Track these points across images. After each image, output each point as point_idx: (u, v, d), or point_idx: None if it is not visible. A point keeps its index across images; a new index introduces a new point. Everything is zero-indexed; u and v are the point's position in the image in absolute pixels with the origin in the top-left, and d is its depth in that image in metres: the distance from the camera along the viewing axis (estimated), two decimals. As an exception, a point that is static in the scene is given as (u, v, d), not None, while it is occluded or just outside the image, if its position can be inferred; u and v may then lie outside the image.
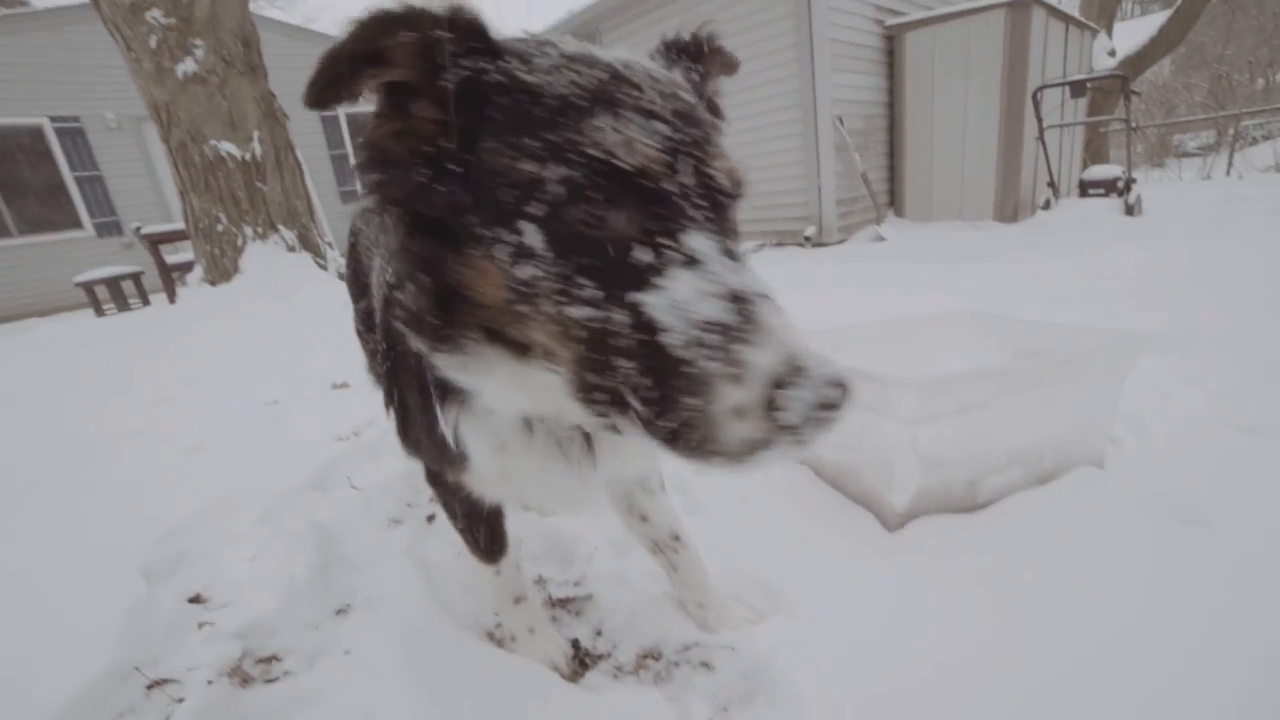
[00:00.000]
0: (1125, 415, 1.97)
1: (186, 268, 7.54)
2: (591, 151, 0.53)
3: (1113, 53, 11.64)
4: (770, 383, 0.48)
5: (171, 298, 7.37)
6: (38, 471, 2.45)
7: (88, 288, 8.21)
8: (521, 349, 0.62)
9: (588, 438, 0.86)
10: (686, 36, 0.78)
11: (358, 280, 1.64)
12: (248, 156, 6.22)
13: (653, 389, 0.53)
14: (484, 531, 1.18)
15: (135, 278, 8.70)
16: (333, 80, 0.59)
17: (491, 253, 0.56)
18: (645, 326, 0.52)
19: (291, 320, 5.29)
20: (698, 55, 0.78)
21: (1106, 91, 10.63)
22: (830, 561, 1.38)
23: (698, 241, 0.55)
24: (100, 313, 8.24)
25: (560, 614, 1.43)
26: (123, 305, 8.44)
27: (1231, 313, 2.95)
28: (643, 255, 0.54)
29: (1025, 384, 1.45)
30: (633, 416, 0.56)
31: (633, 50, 0.68)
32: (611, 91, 0.57)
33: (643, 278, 0.54)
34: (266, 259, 6.30)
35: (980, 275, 4.55)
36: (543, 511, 1.73)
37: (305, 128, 13.75)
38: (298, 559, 1.56)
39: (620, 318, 0.53)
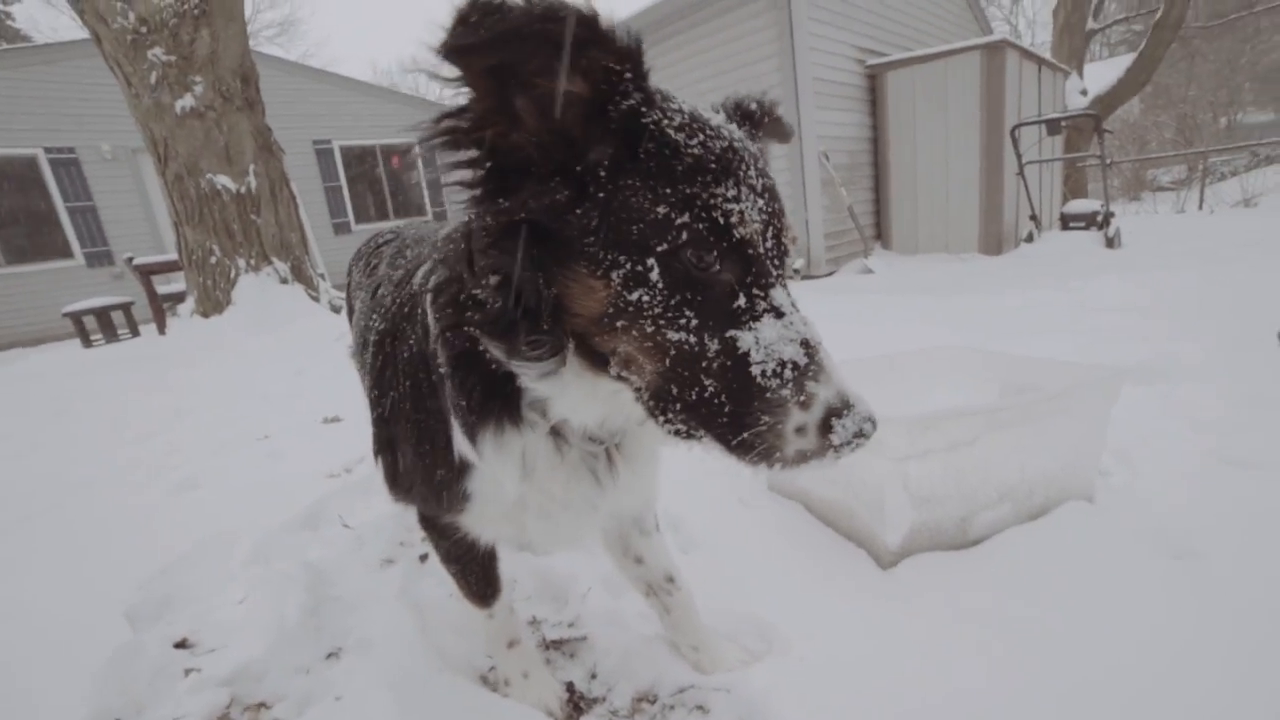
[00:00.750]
0: (1113, 448, 2.00)
1: (178, 298, 7.52)
2: (717, 215, 0.64)
3: (1084, 92, 12.09)
4: (828, 412, 0.64)
5: (162, 329, 7.33)
6: (20, 509, 2.41)
7: (76, 318, 8.15)
8: (603, 362, 0.70)
9: (609, 455, 0.92)
10: (753, 105, 0.87)
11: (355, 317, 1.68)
12: (243, 189, 6.28)
13: (733, 406, 0.65)
14: (477, 574, 1.18)
15: (125, 308, 8.66)
16: (492, 47, 0.56)
17: (609, 274, 0.64)
18: (738, 357, 0.64)
19: (283, 353, 5.27)
20: (759, 122, 0.88)
21: (1081, 129, 11.01)
22: (824, 600, 1.38)
23: (779, 296, 0.69)
24: (88, 343, 8.16)
25: (554, 656, 1.41)
26: (111, 336, 8.37)
27: (1212, 344, 3.02)
28: (739, 300, 0.66)
29: (1013, 420, 1.48)
30: (704, 426, 0.67)
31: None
32: (732, 163, 0.67)
33: (739, 318, 0.66)
34: (259, 291, 6.31)
35: (967, 307, 4.63)
36: (535, 551, 1.72)
37: (300, 160, 13.90)
38: (288, 601, 1.54)
39: (715, 347, 0.65)
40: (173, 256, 7.04)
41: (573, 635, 1.45)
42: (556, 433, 0.87)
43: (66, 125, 11.45)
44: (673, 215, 0.63)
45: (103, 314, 8.29)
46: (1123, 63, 12.86)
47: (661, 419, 0.69)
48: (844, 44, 7.47)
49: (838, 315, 4.50)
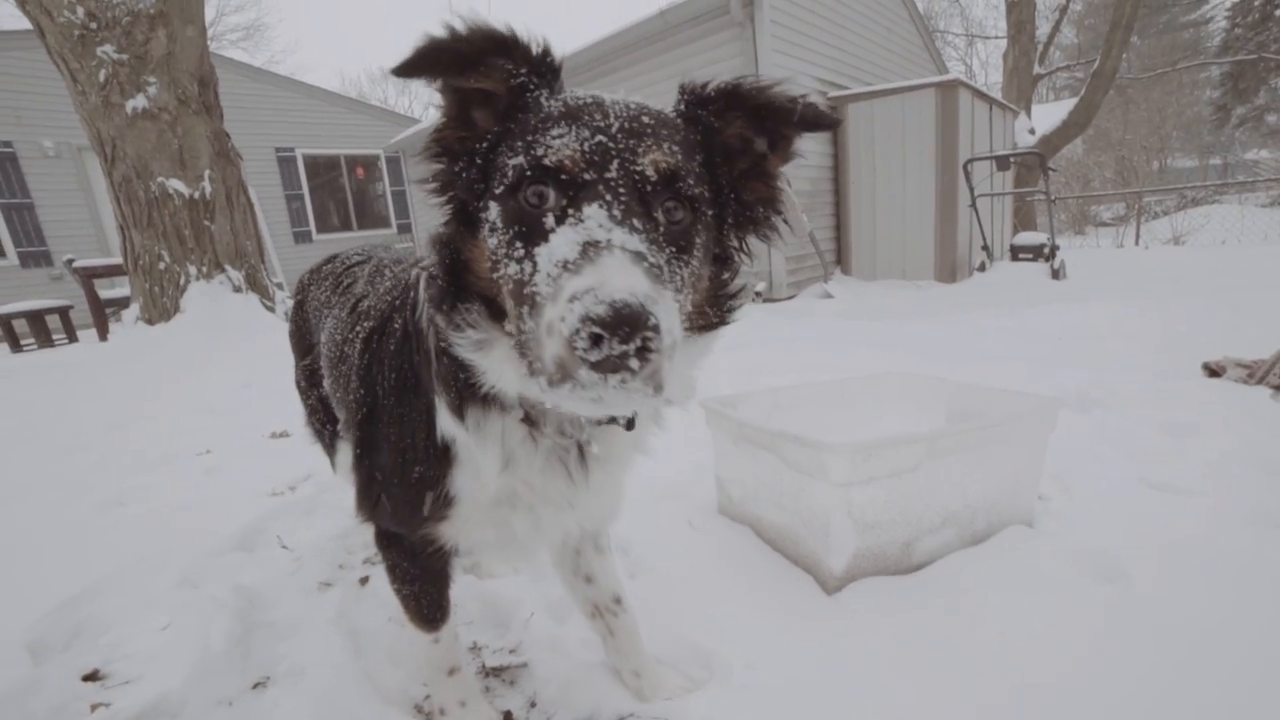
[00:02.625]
0: (1052, 473, 2.08)
1: (122, 304, 7.18)
2: (538, 151, 0.67)
3: (1033, 131, 12.80)
4: (567, 300, 0.55)
5: (103, 335, 6.97)
6: (-76, 529, 2.23)
7: (4, 321, 7.69)
8: (504, 318, 0.72)
9: (581, 453, 0.93)
10: (698, 83, 0.84)
11: (303, 338, 1.62)
12: (196, 194, 6.07)
13: (524, 318, 0.63)
14: (430, 597, 1.14)
15: (62, 312, 8.21)
16: (433, 65, 0.69)
17: (484, 229, 0.70)
18: (532, 268, 0.64)
19: (232, 364, 5.07)
20: (704, 100, 0.81)
21: (1029, 166, 11.60)
22: (768, 626, 1.38)
23: (589, 210, 0.64)
24: (17, 348, 7.70)
25: (494, 683, 1.37)
26: (45, 341, 7.91)
27: (1144, 373, 3.18)
28: (549, 221, 0.66)
29: (954, 447, 1.52)
30: (525, 356, 0.63)
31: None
32: (578, 112, 0.70)
33: (547, 234, 0.65)
34: (210, 299, 6.07)
35: (921, 333, 4.78)
36: (479, 573, 1.68)
37: (261, 167, 13.57)
38: (215, 627, 1.45)
39: (528, 268, 0.64)
40: (117, 260, 6.74)
41: (514, 662, 1.41)
42: (530, 421, 0.88)
43: (3, 119, 10.90)
44: (509, 160, 0.69)
45: (36, 317, 7.85)
46: (1067, 106, 13.66)
47: (523, 362, 0.65)
48: (807, 75, 7.73)
49: (797, 338, 4.58)
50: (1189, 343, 3.75)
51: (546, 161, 0.66)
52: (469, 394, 0.84)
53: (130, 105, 5.66)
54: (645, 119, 0.72)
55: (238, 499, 2.39)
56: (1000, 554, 1.61)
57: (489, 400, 0.84)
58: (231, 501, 2.36)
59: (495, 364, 0.77)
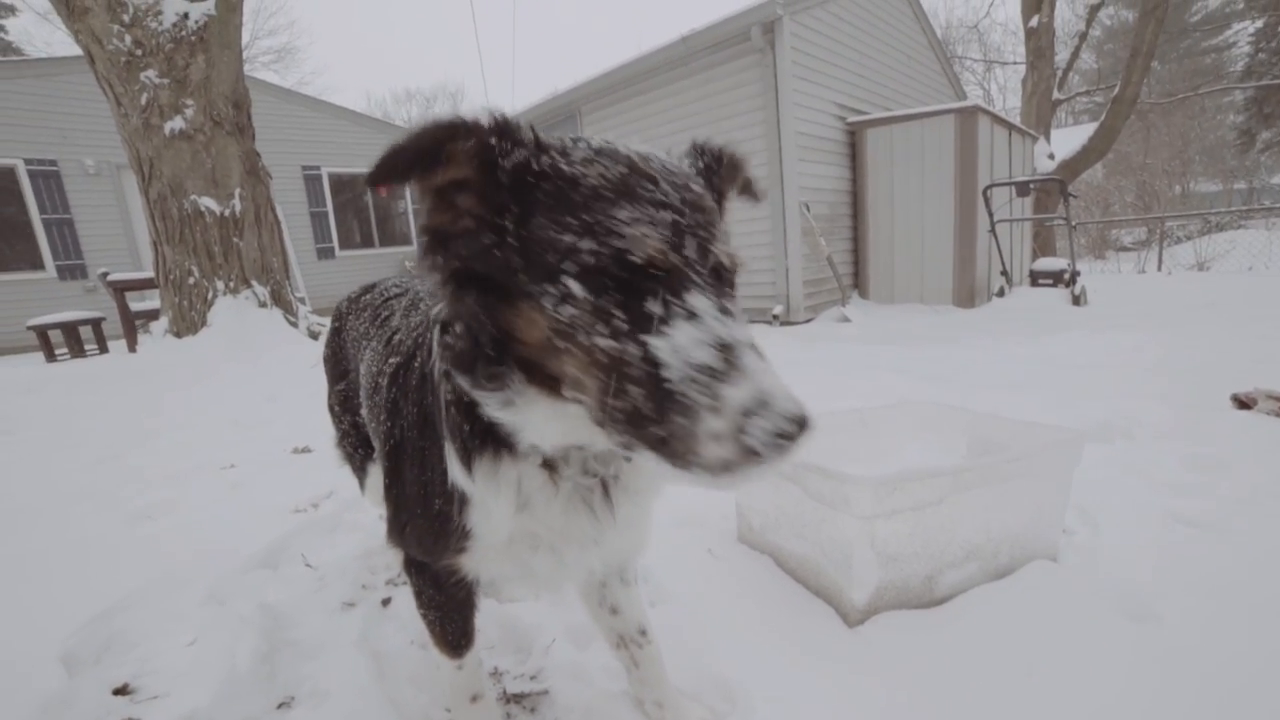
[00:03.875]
0: (1077, 506, 2.05)
1: (152, 316, 7.36)
2: (617, 231, 0.68)
3: (1052, 156, 12.72)
4: (740, 413, 0.60)
5: (132, 346, 7.15)
6: (-39, 537, 2.29)
7: (41, 332, 7.92)
8: (554, 384, 0.74)
9: (605, 489, 0.93)
10: (712, 148, 0.91)
11: (338, 364, 1.67)
12: (227, 212, 6.26)
13: (653, 413, 0.64)
14: (455, 623, 1.15)
15: (95, 324, 8.44)
16: (396, 170, 0.70)
17: (540, 303, 0.70)
18: (651, 363, 0.65)
19: (257, 378, 5.18)
20: (715, 165, 0.90)
21: (1049, 191, 11.54)
22: (790, 658, 1.37)
23: (698, 301, 0.68)
24: (51, 358, 7.92)
25: (515, 710, 1.37)
26: (78, 352, 8.13)
27: (1170, 405, 3.13)
28: (652, 309, 0.67)
29: (978, 481, 1.51)
30: (635, 436, 0.67)
31: (648, 145, 0.81)
32: (631, 184, 0.71)
33: (651, 326, 0.67)
34: (236, 314, 6.22)
35: (941, 359, 4.75)
36: (500, 598, 1.69)
37: (288, 185, 13.93)
38: (241, 645, 1.48)
39: (633, 354, 0.66)
40: (149, 274, 6.94)
41: (535, 689, 1.41)
42: (550, 465, 0.88)
43: (50, 138, 11.37)
44: (578, 240, 0.68)
45: (70, 328, 8.07)
46: (1087, 131, 13.63)
47: (607, 432, 0.70)
48: (826, 101, 7.81)
49: (815, 362, 4.57)
50: (1216, 373, 3.68)
51: (640, 248, 0.68)
52: (477, 445, 0.86)
53: (169, 127, 5.88)
54: (693, 186, 0.77)
55: (262, 515, 2.43)
56: (1025, 589, 1.59)
57: (501, 449, 0.85)
58: (256, 517, 2.40)
59: (535, 423, 0.78)
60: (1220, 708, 1.21)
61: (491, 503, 0.88)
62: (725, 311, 0.68)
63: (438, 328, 0.87)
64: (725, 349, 0.64)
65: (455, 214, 0.74)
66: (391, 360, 1.13)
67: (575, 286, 0.68)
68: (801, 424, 0.60)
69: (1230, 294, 7.52)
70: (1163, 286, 8.97)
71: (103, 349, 8.42)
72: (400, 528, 1.06)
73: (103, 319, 8.62)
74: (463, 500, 0.92)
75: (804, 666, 1.35)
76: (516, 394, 0.76)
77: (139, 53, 5.68)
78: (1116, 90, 12.81)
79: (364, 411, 1.37)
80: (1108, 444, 2.70)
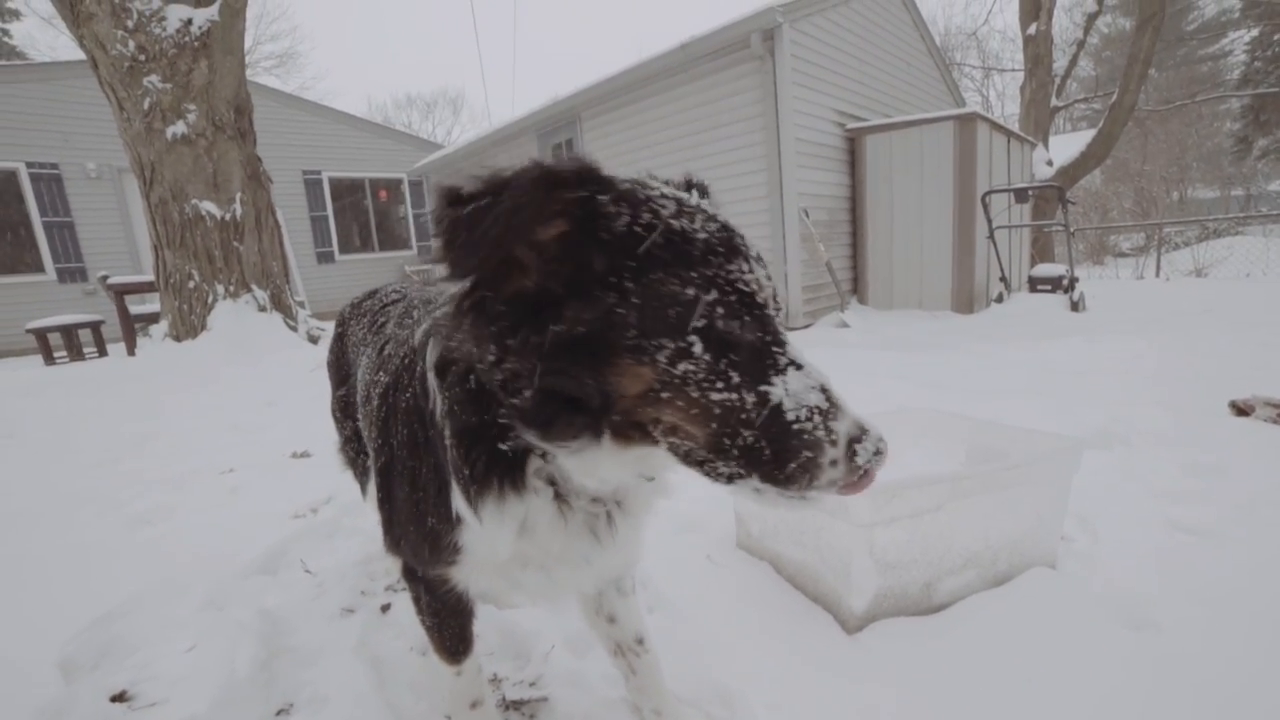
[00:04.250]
0: (1076, 513, 2.05)
1: (151, 319, 7.37)
2: (739, 287, 0.73)
3: (1050, 163, 12.80)
4: (849, 442, 0.73)
5: (131, 349, 7.16)
6: (-41, 542, 2.29)
7: (40, 335, 7.92)
8: (636, 432, 0.76)
9: (609, 517, 0.95)
10: (702, 182, 0.95)
11: (340, 369, 1.68)
12: (227, 216, 6.27)
13: (774, 449, 0.72)
14: (453, 630, 1.16)
15: (94, 327, 8.44)
16: (500, 236, 0.66)
17: (653, 356, 0.70)
18: (774, 407, 0.72)
19: (256, 382, 5.18)
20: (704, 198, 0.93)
21: (1047, 198, 11.58)
22: (788, 665, 1.37)
23: (793, 349, 0.77)
24: (50, 360, 7.92)
25: (514, 717, 1.37)
26: (76, 355, 8.13)
27: (1169, 410, 3.13)
28: (765, 359, 0.74)
29: (977, 488, 1.52)
30: (751, 469, 0.74)
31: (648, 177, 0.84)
32: (733, 240, 0.76)
33: (768, 374, 0.74)
34: (236, 318, 6.23)
35: (940, 364, 4.75)
36: (499, 604, 1.69)
37: (288, 189, 13.97)
38: (240, 651, 1.48)
39: (752, 401, 0.72)
40: (149, 278, 6.95)
41: (534, 695, 1.41)
42: (559, 496, 0.90)
43: (52, 141, 11.41)
44: (700, 294, 0.71)
45: (69, 331, 8.08)
46: (1085, 137, 13.66)
47: (705, 470, 0.76)
48: (825, 107, 7.84)
49: (814, 368, 4.57)
50: (1215, 379, 3.69)
51: (756, 302, 0.74)
52: (481, 485, 0.86)
53: (170, 131, 5.90)
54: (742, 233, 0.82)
55: (260, 520, 2.43)
56: (1023, 597, 1.59)
57: (506, 486, 0.86)
58: (254, 522, 2.40)
59: (600, 467, 0.81)
60: (1217, 715, 1.21)
61: (494, 533, 0.89)
62: (801, 355, 0.77)
63: (431, 371, 0.88)
64: (825, 392, 0.75)
65: (519, 279, 0.71)
66: (382, 377, 1.13)
67: (697, 343, 0.71)
68: (885, 442, 0.74)
69: (1228, 300, 7.54)
70: (1161, 292, 8.99)
71: (101, 352, 8.42)
72: (395, 539, 1.07)
73: (102, 322, 8.63)
74: (456, 521, 0.93)
75: (802, 673, 1.35)
76: (588, 443, 0.76)
77: (142, 58, 5.71)
78: (1114, 97, 12.86)
79: (360, 418, 1.38)
80: (1107, 451, 2.70)
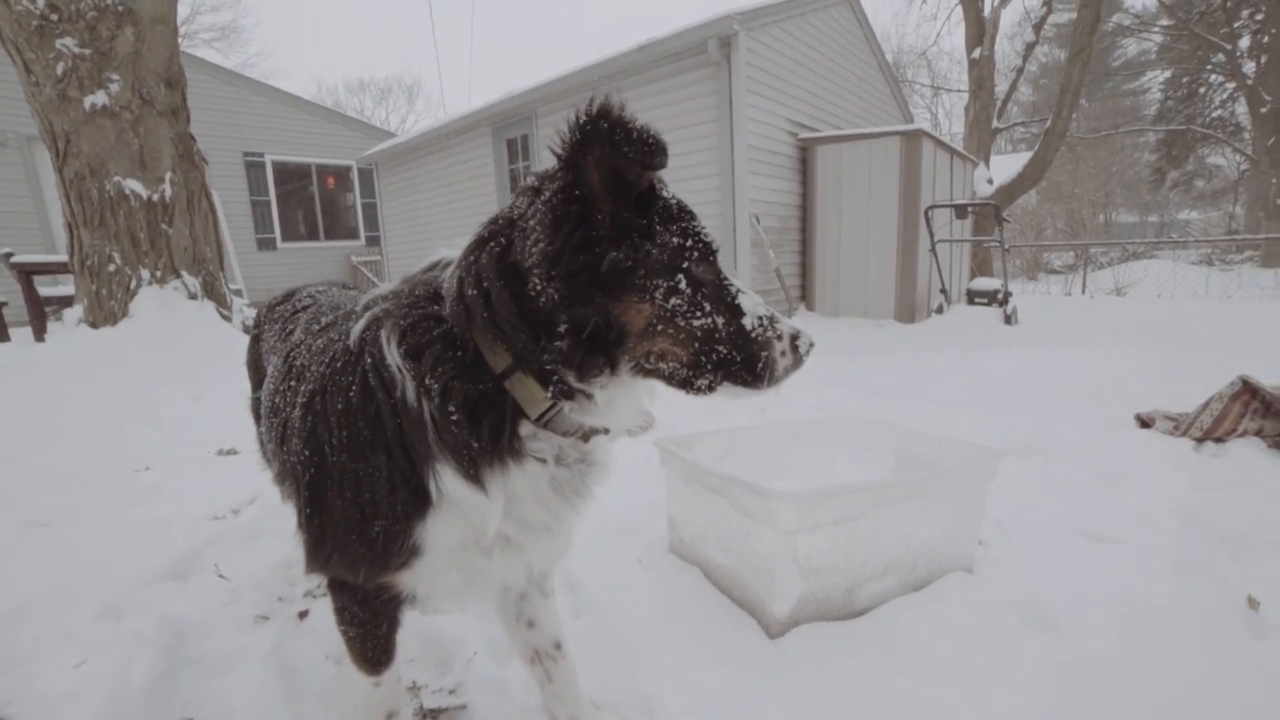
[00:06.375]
0: (996, 520, 2.15)
1: (65, 302, 6.85)
2: (703, 238, 0.92)
3: (991, 181, 13.45)
4: (791, 337, 0.96)
5: (40, 335, 6.63)
6: None
7: (-68, 317, 7.25)
8: (642, 363, 0.90)
9: (582, 477, 1.02)
10: None
11: (257, 370, 1.63)
12: (155, 197, 5.88)
13: (743, 355, 0.92)
14: (377, 640, 1.11)
15: (-6, 309, 7.78)
16: (653, 160, 0.84)
17: (653, 294, 0.86)
18: (740, 323, 0.93)
19: (183, 374, 4.88)
20: None
21: (986, 215, 12.16)
22: (711, 671, 1.39)
23: (735, 280, 0.97)
24: (-58, 346, 7.25)
25: (433, 728, 1.33)
26: (-26, 340, 7.47)
27: (1085, 421, 3.33)
28: (724, 288, 0.94)
29: (899, 497, 1.57)
30: (725, 376, 0.92)
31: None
32: (687, 205, 0.94)
33: (729, 299, 0.94)
34: (162, 305, 5.84)
35: (881, 372, 4.92)
36: (425, 610, 1.65)
37: (227, 171, 13.27)
38: (136, 665, 1.38)
39: (722, 320, 0.91)
40: (62, 258, 6.45)
41: (453, 704, 1.38)
42: (541, 460, 0.96)
43: (-50, 106, 10.46)
44: (683, 242, 0.89)
45: (-33, 314, 7.42)
46: (1023, 159, 14.43)
47: (689, 385, 0.93)
48: (779, 116, 8.00)
49: (760, 372, 4.65)
50: (1127, 392, 3.95)
51: (713, 247, 0.93)
52: (494, 454, 0.91)
53: (89, 101, 5.48)
54: None
55: (175, 522, 2.29)
56: (939, 601, 1.66)
57: (510, 455, 0.92)
58: (168, 524, 2.26)
59: (616, 403, 0.93)
60: (1111, 713, 1.29)
61: (485, 510, 0.92)
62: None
63: (397, 353, 0.90)
64: (764, 309, 0.96)
65: (597, 212, 0.85)
66: (302, 389, 1.06)
67: (683, 279, 0.88)
68: (813, 339, 0.99)
69: (1143, 318, 8.10)
70: (1086, 309, 9.59)
71: (3, 337, 7.77)
72: (324, 555, 1.00)
73: (4, 304, 7.96)
74: (414, 516, 0.92)
75: (724, 679, 1.36)
76: (606, 380, 0.88)
77: (54, 18, 5.27)
78: (1049, 123, 13.64)
79: (261, 431, 1.32)
80: (1028, 460, 2.86)
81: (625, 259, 0.84)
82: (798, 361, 0.95)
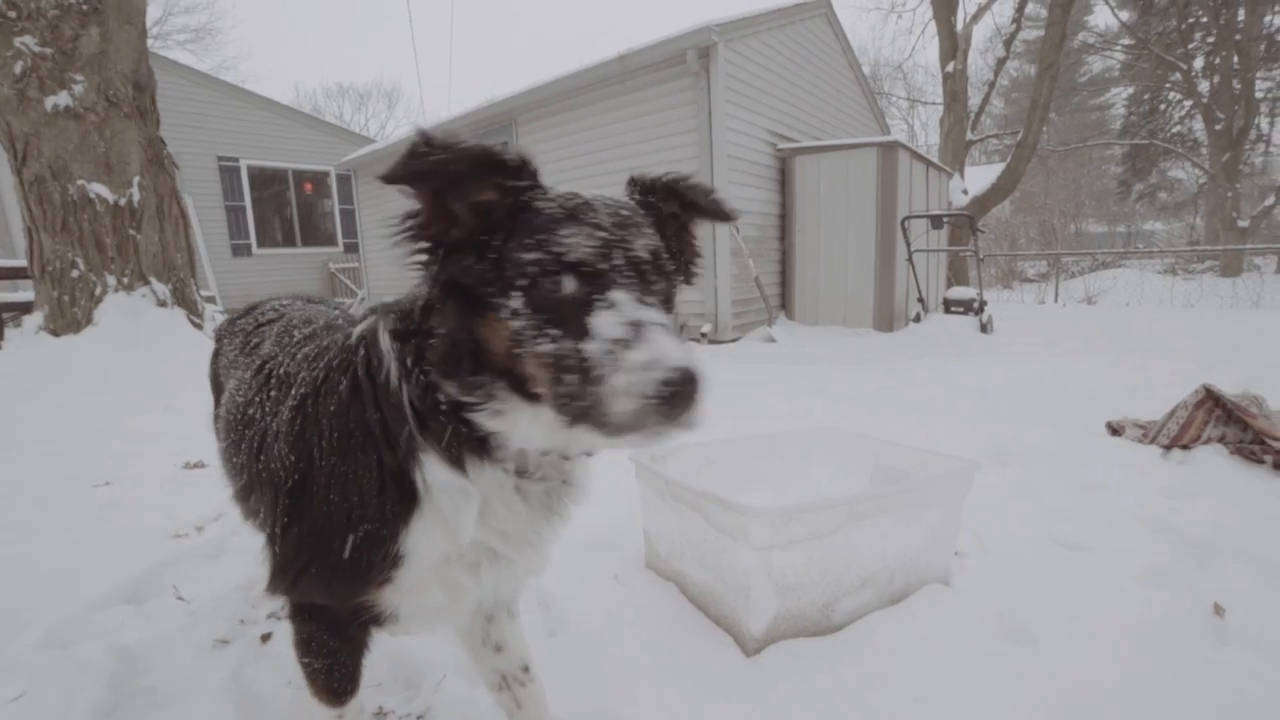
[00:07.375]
0: (972, 530, 2.16)
1: (23, 309, 6.62)
2: (557, 249, 0.78)
3: (965, 191, 13.73)
4: (639, 370, 0.69)
5: (-3, 344, 6.39)
6: None
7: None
8: (527, 388, 0.81)
9: (558, 494, 0.98)
10: (648, 177, 0.99)
11: (218, 385, 1.59)
12: (122, 201, 5.72)
13: (584, 386, 0.73)
14: (343, 669, 1.06)
15: (-49, 317, 7.48)
16: (442, 176, 0.78)
17: (501, 312, 0.79)
18: (581, 347, 0.74)
19: (150, 383, 4.74)
20: (651, 191, 0.98)
21: (961, 225, 12.40)
22: (686, 690, 1.36)
23: (617, 295, 0.78)
24: (-104, 355, 6.94)
25: (398, 756, 1.29)
26: (-69, 348, 7.17)
27: (1058, 429, 3.38)
28: (584, 308, 0.77)
29: (874, 511, 1.56)
30: (574, 414, 0.75)
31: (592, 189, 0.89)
32: (577, 212, 0.82)
33: (583, 319, 0.76)
34: (129, 313, 5.67)
35: (859, 380, 4.95)
36: (394, 631, 1.59)
37: (201, 175, 13.00)
38: (80, 698, 1.31)
39: (569, 346, 0.75)
40: (20, 263, 6.24)
41: (421, 731, 1.33)
42: (520, 471, 0.92)
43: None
44: (529, 256, 0.78)
45: (-82, 322, 7.11)
46: (996, 170, 14.77)
47: (564, 420, 0.77)
48: (758, 127, 8.08)
49: (740, 383, 4.66)
50: (1098, 400, 4.03)
51: (572, 258, 0.78)
52: (465, 447, 0.88)
53: (51, 102, 5.32)
54: (625, 212, 0.86)
55: (134, 540, 2.20)
56: (916, 614, 1.65)
57: (484, 453, 0.89)
58: (126, 543, 2.18)
59: (521, 427, 0.85)
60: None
61: (463, 505, 0.90)
62: (643, 301, 0.78)
63: (388, 336, 0.91)
64: (634, 325, 0.73)
65: (449, 226, 0.83)
66: (286, 391, 1.05)
67: (524, 298, 0.78)
68: (688, 376, 0.69)
69: (1112, 326, 8.29)
70: (1059, 317, 9.79)
71: (-37, 345, 7.48)
72: (294, 573, 0.96)
73: (-38, 311, 7.67)
74: (401, 516, 0.90)
75: (699, 698, 1.34)
76: (501, 402, 0.83)
77: (12, 15, 5.12)
78: (1020, 136, 13.98)
79: (220, 447, 1.28)
80: (1003, 468, 2.88)
81: (464, 274, 0.81)
82: (646, 410, 0.69)
